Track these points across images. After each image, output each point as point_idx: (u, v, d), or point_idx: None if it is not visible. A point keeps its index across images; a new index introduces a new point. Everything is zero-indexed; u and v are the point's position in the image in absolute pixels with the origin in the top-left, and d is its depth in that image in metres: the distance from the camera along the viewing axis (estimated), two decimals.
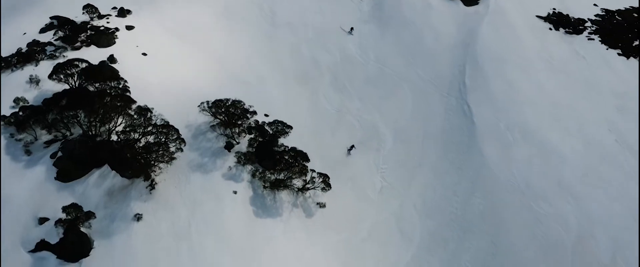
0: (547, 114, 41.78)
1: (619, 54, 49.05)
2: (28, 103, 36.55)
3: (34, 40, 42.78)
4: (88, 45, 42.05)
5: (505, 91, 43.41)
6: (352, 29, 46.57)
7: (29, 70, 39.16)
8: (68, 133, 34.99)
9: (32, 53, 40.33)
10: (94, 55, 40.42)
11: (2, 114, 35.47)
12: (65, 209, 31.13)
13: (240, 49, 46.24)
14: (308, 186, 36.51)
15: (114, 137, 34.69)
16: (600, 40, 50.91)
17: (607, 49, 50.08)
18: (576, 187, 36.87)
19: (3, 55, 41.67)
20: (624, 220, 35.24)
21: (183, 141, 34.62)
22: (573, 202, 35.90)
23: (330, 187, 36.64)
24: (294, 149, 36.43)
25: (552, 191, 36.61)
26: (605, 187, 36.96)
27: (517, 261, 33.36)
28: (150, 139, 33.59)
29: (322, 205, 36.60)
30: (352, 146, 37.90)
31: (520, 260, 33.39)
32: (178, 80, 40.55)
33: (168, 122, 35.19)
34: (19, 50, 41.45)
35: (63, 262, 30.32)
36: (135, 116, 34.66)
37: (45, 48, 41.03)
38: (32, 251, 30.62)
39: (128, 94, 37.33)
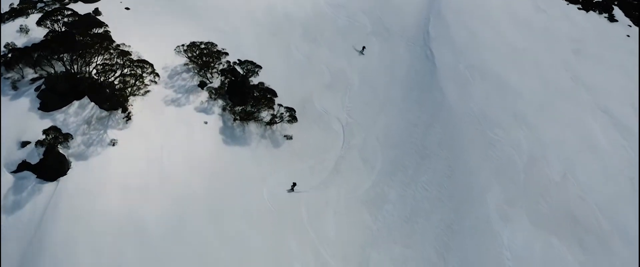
0: (505, 57, 42.58)
1: (578, 9, 49.99)
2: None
3: None
4: (75, 1, 44.00)
5: (467, 39, 44.33)
6: (363, 48, 44.52)
7: (20, 21, 41.00)
8: (52, 71, 36.55)
9: (24, 8, 42.34)
10: (80, 8, 42.15)
11: None
12: (45, 131, 32.51)
13: (218, 6, 47.83)
14: (276, 120, 37.65)
15: (94, 72, 36.17)
16: None
17: (567, 4, 51.04)
18: (530, 117, 37.45)
19: None
20: (575, 144, 35.68)
21: (157, 74, 35.99)
22: (526, 130, 36.50)
23: (297, 120, 37.67)
24: (261, 83, 37.64)
25: (507, 120, 37.22)
26: (558, 117, 37.54)
27: (472, 180, 33.85)
28: (127, 71, 35.03)
29: (289, 137, 37.56)
30: (294, 184, 33.49)
31: (475, 179, 33.87)
32: (157, 30, 42.03)
33: (144, 60, 36.68)
34: (11, 5, 43.54)
35: (42, 181, 31.53)
36: (113, 53, 36.18)
37: (36, 4, 43.06)
38: (14, 172, 31.97)
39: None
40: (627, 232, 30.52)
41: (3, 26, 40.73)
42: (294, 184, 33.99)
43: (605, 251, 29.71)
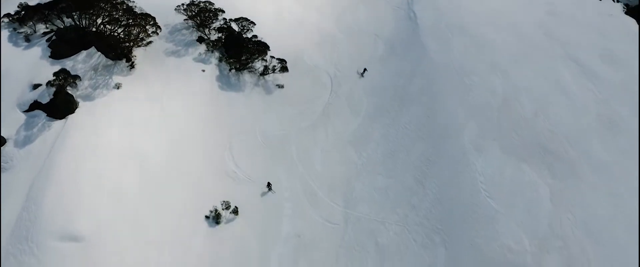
0: (484, 17, 44.06)
1: None
2: None
3: None
4: None
5: (447, 2, 45.94)
6: (365, 69, 41.21)
7: None
8: (62, 26, 38.36)
9: None
10: None
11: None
12: (55, 74, 34.16)
13: None
14: (268, 70, 39.19)
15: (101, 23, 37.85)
16: None
17: None
18: (505, 66, 38.74)
19: None
20: (546, 88, 36.86)
21: (159, 26, 37.69)
22: (501, 76, 37.80)
23: (288, 70, 39.19)
24: (255, 36, 39.29)
25: (484, 69, 38.52)
26: (531, 66, 38.83)
27: (449, 120, 35.04)
28: (131, 22, 36.76)
29: (280, 86, 39.02)
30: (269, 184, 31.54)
31: (452, 119, 35.05)
32: None
33: (147, 13, 38.45)
34: None
35: (52, 119, 33.08)
36: (119, 8, 37.97)
37: None
38: (26, 111, 33.58)
39: None
40: (593, 159, 31.65)
41: None
42: (269, 185, 31.26)
43: (573, 175, 30.75)
